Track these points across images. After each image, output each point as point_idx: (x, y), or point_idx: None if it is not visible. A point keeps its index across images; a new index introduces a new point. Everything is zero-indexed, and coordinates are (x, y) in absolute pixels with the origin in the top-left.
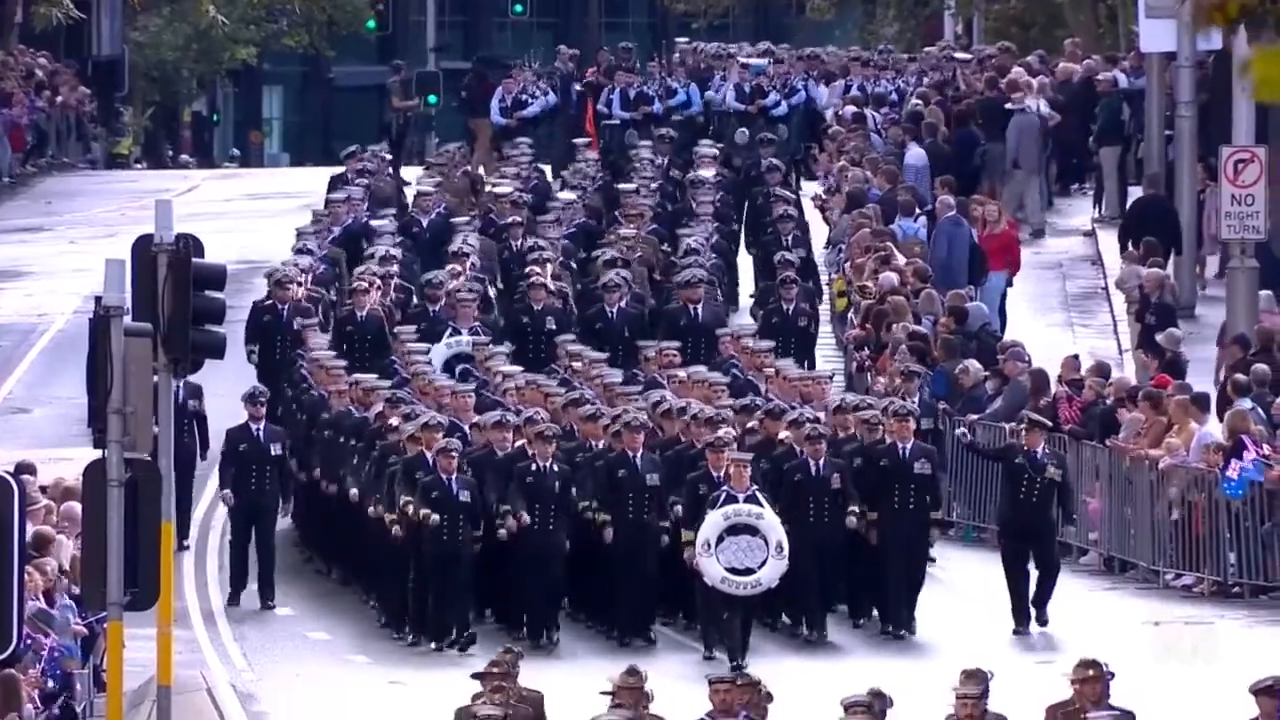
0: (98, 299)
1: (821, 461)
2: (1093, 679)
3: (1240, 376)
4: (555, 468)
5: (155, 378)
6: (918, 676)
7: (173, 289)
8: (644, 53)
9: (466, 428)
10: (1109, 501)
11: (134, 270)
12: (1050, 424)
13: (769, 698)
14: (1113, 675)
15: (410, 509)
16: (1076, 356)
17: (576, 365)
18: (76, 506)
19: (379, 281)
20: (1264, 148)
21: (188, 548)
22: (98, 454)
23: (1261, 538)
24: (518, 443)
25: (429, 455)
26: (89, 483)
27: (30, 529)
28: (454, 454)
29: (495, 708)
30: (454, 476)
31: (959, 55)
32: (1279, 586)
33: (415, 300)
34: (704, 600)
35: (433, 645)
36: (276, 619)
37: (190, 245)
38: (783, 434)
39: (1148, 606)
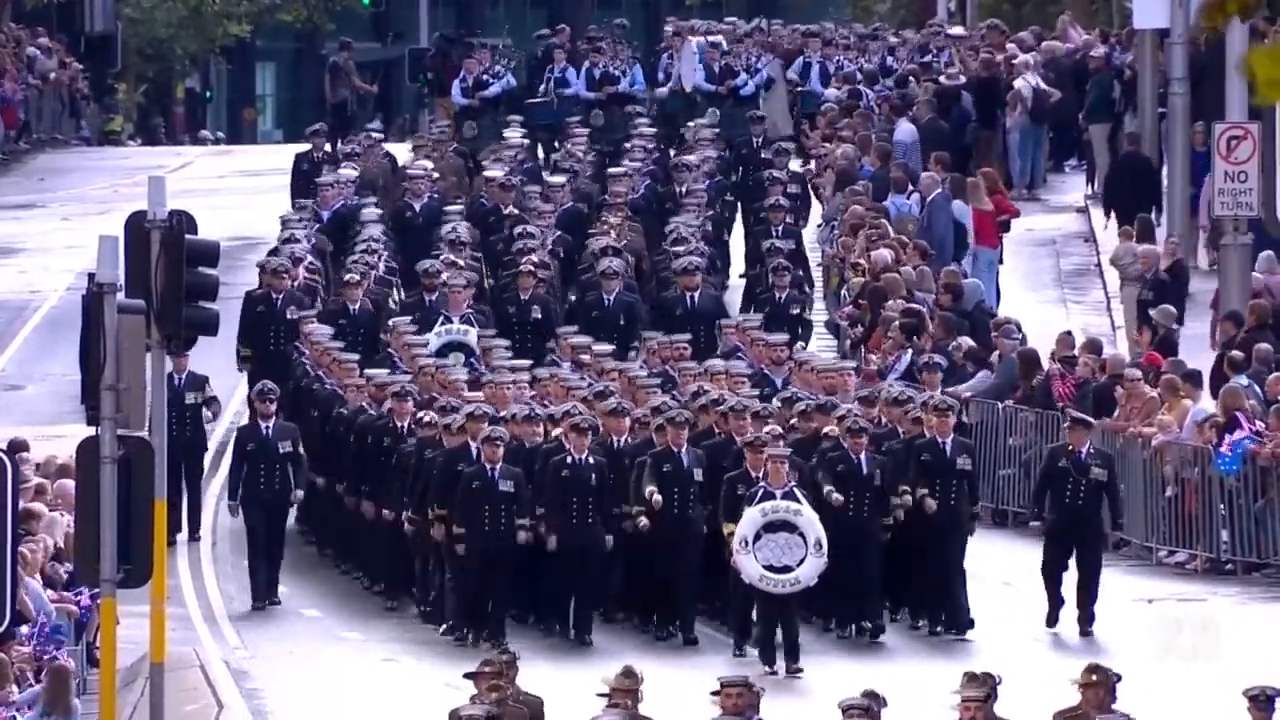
0: (91, 275)
1: (864, 455)
2: (1096, 684)
3: (1235, 353)
4: (591, 460)
5: (148, 354)
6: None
7: (166, 265)
8: (637, 30)
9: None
10: None
11: (127, 247)
12: (1093, 420)
13: (759, 694)
14: (1119, 678)
15: (441, 525)
16: (1069, 333)
17: (584, 358)
18: (70, 484)
19: (370, 273)
20: (1257, 124)
21: (199, 539)
22: (91, 431)
23: (1255, 515)
24: (554, 433)
25: (473, 445)
26: (82, 460)
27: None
28: (499, 443)
29: (480, 708)
30: (498, 467)
31: (952, 32)
32: (1272, 564)
33: (399, 291)
34: (739, 598)
35: (471, 640)
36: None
37: (183, 222)
38: (828, 428)
39: (1141, 584)
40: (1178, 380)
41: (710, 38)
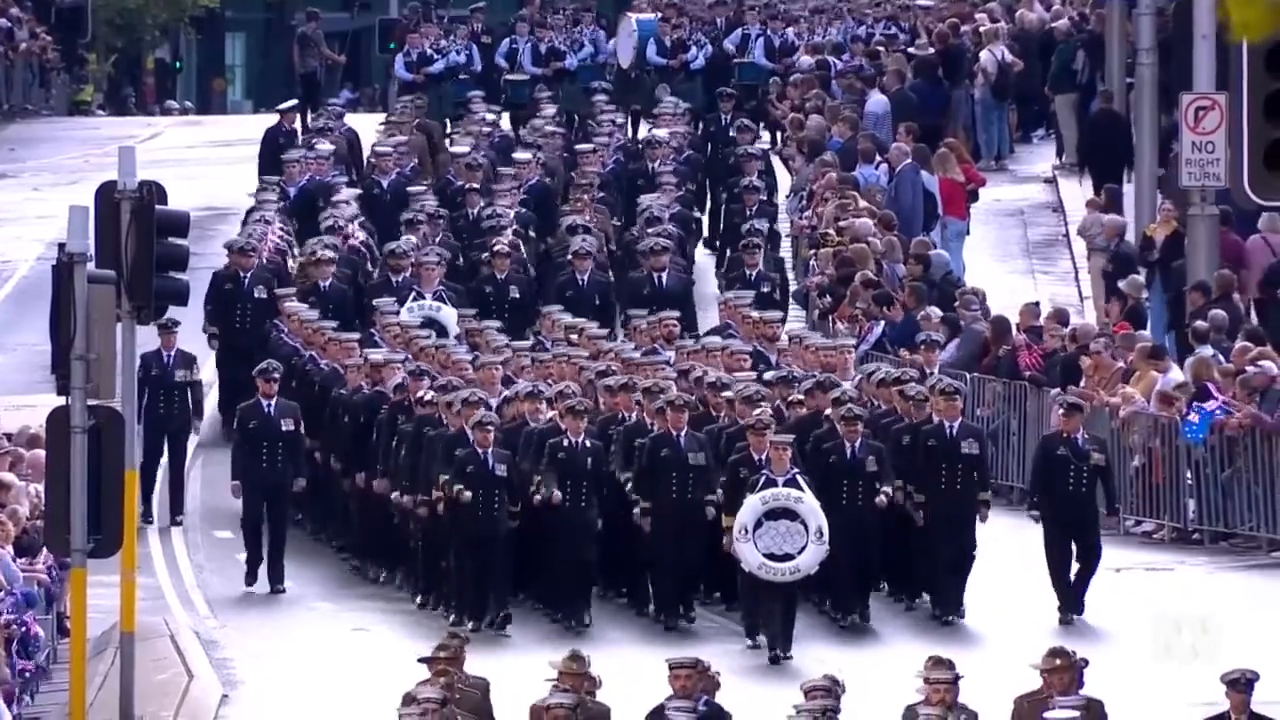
0: (61, 246)
1: (858, 443)
2: (1061, 668)
3: (1200, 324)
4: (588, 443)
5: (118, 324)
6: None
7: (136, 236)
8: (613, 5)
9: (493, 401)
10: None
11: (97, 217)
12: (1087, 403)
13: (717, 683)
14: (1085, 663)
15: (447, 488)
16: (1036, 304)
17: (573, 338)
18: (41, 454)
19: (342, 250)
20: (1224, 95)
21: (180, 523)
22: (61, 401)
23: (1222, 485)
24: (549, 414)
25: (468, 430)
26: (52, 429)
27: None
28: (490, 428)
29: (436, 690)
30: (490, 450)
31: (921, 2)
32: (1239, 533)
33: (374, 268)
34: (745, 587)
35: (470, 625)
36: (239, 565)
37: (154, 192)
38: (829, 410)
39: (1108, 553)
40: (1149, 351)
41: (661, 14)
